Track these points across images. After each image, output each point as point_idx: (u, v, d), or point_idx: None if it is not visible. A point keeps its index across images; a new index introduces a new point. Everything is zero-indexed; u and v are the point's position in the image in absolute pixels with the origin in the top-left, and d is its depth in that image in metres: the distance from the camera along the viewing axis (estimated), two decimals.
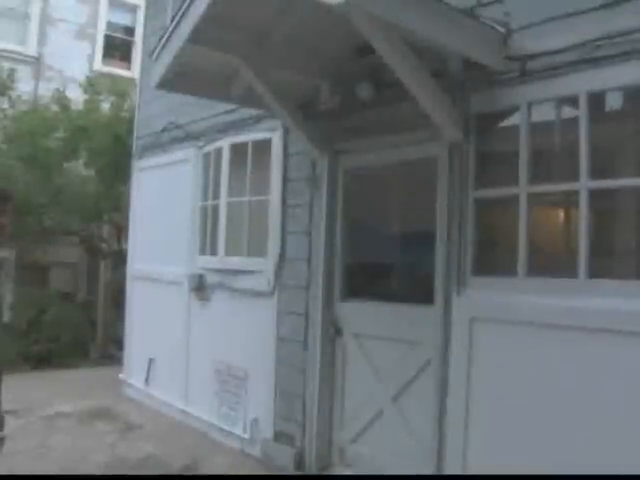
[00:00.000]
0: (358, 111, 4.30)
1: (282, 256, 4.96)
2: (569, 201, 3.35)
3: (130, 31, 13.23)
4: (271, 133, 5.14)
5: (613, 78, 3.08)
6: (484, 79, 3.59)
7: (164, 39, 3.90)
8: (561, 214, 3.56)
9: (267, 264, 5.08)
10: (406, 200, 4.22)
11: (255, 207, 5.29)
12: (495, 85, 3.55)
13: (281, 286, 4.96)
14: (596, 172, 3.13)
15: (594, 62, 3.13)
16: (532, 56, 3.38)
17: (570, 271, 3.19)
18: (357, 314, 4.41)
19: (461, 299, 3.65)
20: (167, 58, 3.88)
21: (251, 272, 5.24)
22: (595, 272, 3.11)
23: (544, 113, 3.39)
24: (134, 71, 12.65)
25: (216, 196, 5.70)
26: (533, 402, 3.27)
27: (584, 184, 3.15)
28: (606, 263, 3.21)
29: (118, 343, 9.94)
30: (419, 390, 3.92)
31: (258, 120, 5.26)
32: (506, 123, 3.61)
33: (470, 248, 3.64)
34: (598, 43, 3.11)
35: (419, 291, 4.05)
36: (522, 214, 3.40)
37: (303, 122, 4.45)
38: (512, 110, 3.51)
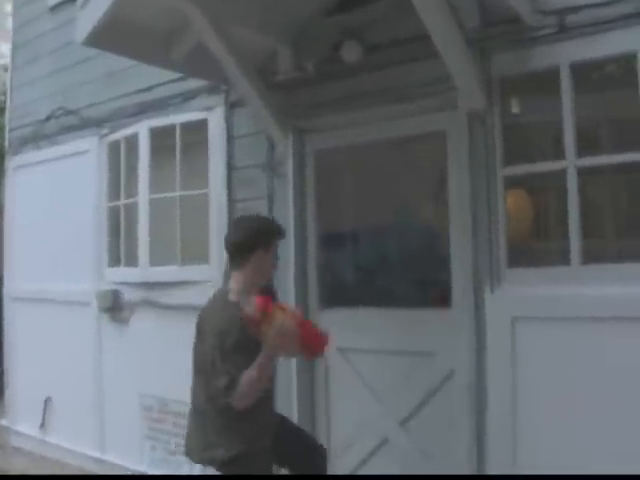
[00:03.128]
0: (333, 80, 3.57)
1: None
2: (628, 174, 2.88)
3: None
4: (207, 113, 4.23)
5: None
6: (508, 36, 3.04)
7: None
8: (619, 189, 3.09)
9: (212, 272, 4.17)
10: (401, 184, 3.56)
11: (190, 204, 4.34)
12: (525, 43, 3.00)
13: None
14: None
15: None
16: (573, 9, 2.88)
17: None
18: (342, 325, 3.63)
19: (496, 296, 3.05)
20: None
21: (189, 283, 4.28)
22: None
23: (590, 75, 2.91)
24: None
25: (132, 193, 4.65)
26: (601, 416, 2.75)
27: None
28: None
29: None
30: (440, 408, 3.28)
31: (188, 98, 4.33)
32: (540, 87, 3.08)
33: (503, 236, 3.07)
34: None
35: (428, 293, 3.42)
36: (572, 191, 2.87)
37: (267, 92, 3.63)
38: (547, 72, 2.98)
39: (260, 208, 3.96)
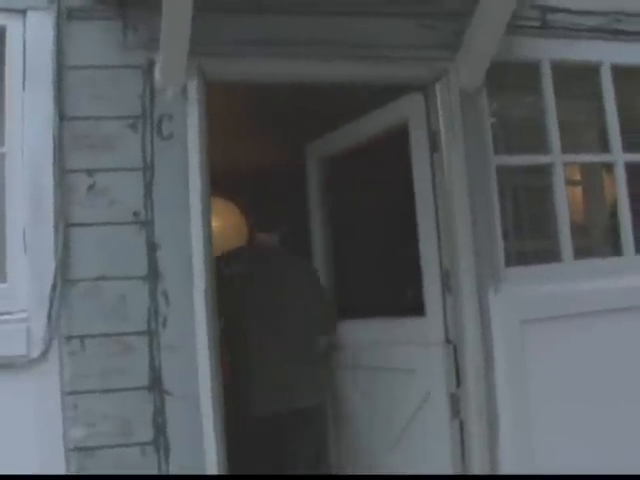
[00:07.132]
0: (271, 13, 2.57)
1: (62, 277, 2.34)
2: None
3: None
4: (5, 17, 2.39)
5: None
6: None
7: None
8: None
9: (16, 299, 2.30)
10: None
11: None
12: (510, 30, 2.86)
13: (68, 339, 2.33)
14: (631, 146, 2.99)
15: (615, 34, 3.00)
16: (552, 9, 2.93)
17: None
18: None
19: (499, 297, 2.70)
20: None
21: None
22: None
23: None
24: None
25: None
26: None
27: (618, 156, 2.96)
28: None
29: None
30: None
31: None
32: (521, 79, 2.95)
33: (500, 231, 2.77)
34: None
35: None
36: (558, 186, 2.86)
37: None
38: (530, 65, 2.91)
39: (125, 184, 2.46)
